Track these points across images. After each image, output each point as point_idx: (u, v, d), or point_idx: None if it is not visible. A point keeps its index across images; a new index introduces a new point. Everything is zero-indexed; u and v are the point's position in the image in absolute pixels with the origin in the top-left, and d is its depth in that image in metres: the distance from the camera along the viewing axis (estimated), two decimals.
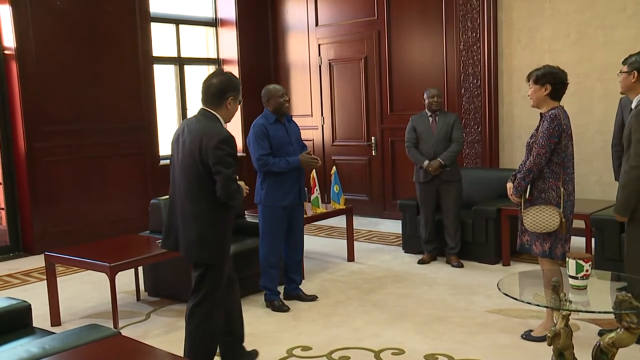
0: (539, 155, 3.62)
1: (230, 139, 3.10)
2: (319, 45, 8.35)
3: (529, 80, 3.76)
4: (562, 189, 3.65)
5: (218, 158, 3.02)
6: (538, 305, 3.18)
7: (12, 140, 6.57)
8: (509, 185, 3.85)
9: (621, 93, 3.83)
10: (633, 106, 3.61)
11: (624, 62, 3.67)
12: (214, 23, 8.58)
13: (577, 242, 5.82)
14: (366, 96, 7.97)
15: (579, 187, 6.53)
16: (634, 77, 3.57)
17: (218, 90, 3.15)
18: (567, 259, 3.11)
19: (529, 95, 3.78)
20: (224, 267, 3.26)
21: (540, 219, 3.64)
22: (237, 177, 3.16)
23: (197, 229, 3.13)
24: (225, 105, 3.17)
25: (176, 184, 3.23)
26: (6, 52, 6.47)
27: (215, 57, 8.61)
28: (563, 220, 3.62)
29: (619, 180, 3.65)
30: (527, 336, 3.82)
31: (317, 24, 8.33)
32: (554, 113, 3.66)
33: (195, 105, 8.30)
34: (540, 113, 3.75)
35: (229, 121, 3.28)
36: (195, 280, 3.24)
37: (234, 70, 8.50)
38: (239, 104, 3.28)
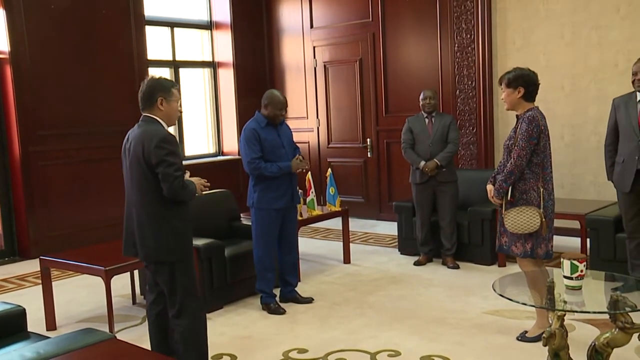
0: (519, 157, 3.65)
1: (170, 137, 3.16)
2: (314, 47, 8.36)
3: (501, 84, 3.79)
4: (542, 189, 3.70)
5: (159, 157, 3.07)
6: (533, 306, 3.19)
7: (7, 144, 6.56)
8: (489, 187, 3.87)
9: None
10: None
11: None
12: (209, 26, 8.58)
13: (572, 242, 5.84)
14: (361, 98, 7.97)
15: (574, 187, 6.61)
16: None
17: (146, 94, 3.24)
18: (562, 259, 3.12)
19: (502, 99, 3.81)
20: (189, 260, 3.26)
21: (521, 219, 3.65)
22: (188, 173, 3.20)
23: (152, 230, 3.16)
24: (157, 106, 3.22)
25: (128, 190, 3.28)
26: (0, 55, 6.46)
27: (211, 60, 8.61)
28: (544, 220, 3.65)
29: None
30: (523, 337, 3.83)
31: (312, 26, 8.34)
32: (532, 114, 3.69)
33: (189, 108, 8.30)
34: (517, 115, 3.79)
35: (172, 124, 3.31)
36: (166, 286, 3.23)
37: (229, 73, 8.51)
38: (178, 104, 3.31)
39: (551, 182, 3.80)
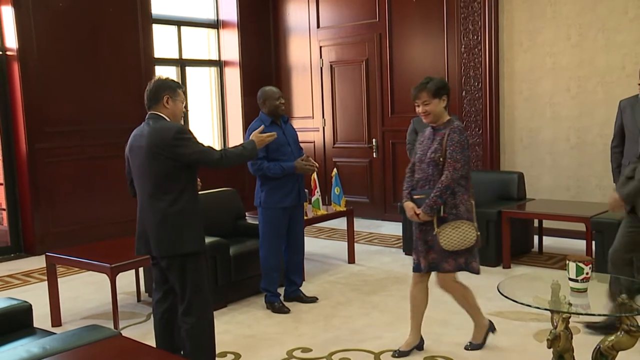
0: (456, 170, 3.43)
1: (183, 127, 3.24)
2: (320, 47, 8.36)
3: (417, 97, 3.54)
4: (472, 202, 3.53)
5: (183, 147, 3.15)
6: (538, 308, 3.18)
7: (13, 141, 6.59)
8: (410, 205, 3.58)
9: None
10: None
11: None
12: (216, 25, 8.59)
13: (578, 244, 5.83)
14: (367, 98, 7.97)
15: (579, 190, 6.60)
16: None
17: (152, 92, 3.31)
18: (567, 261, 3.11)
19: (425, 112, 3.52)
20: (200, 257, 3.29)
21: (457, 235, 3.46)
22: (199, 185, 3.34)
23: (167, 223, 3.19)
24: (163, 104, 3.29)
25: (140, 188, 3.30)
26: (8, 53, 6.49)
27: (217, 58, 8.63)
28: (478, 233, 3.50)
29: (628, 172, 3.66)
30: (472, 346, 3.77)
31: (318, 26, 8.34)
32: (460, 124, 3.56)
33: (195, 107, 8.32)
34: (433, 127, 3.58)
35: (177, 121, 3.34)
36: (178, 281, 3.25)
37: (235, 72, 8.52)
38: (183, 104, 3.38)
39: (473, 194, 3.62)
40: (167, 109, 3.28)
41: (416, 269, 3.69)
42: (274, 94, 4.57)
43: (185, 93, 3.44)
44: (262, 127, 3.72)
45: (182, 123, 3.40)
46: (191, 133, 3.25)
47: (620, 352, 2.96)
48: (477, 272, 3.61)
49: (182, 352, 3.37)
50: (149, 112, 3.32)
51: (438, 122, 3.55)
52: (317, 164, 4.75)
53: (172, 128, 3.18)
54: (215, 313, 4.45)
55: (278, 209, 4.53)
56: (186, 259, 3.23)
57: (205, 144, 3.26)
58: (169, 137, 3.13)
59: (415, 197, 3.57)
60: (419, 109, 3.56)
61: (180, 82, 3.48)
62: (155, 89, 3.31)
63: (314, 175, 5.45)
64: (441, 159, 3.46)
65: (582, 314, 3.00)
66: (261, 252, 4.63)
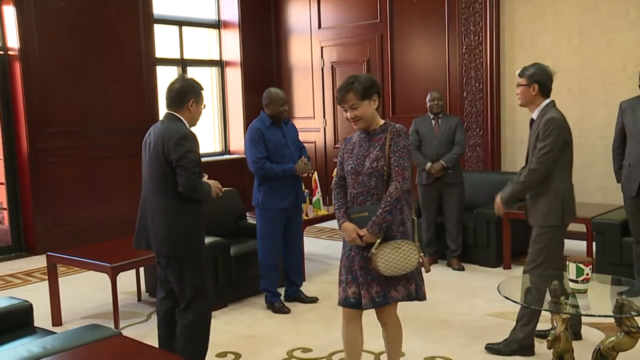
0: (405, 179, 2.92)
1: (191, 135, 3.19)
2: (322, 47, 8.37)
3: (346, 98, 2.97)
4: (415, 218, 3.06)
5: (178, 154, 3.11)
6: (540, 309, 3.18)
7: (15, 141, 6.59)
8: (350, 227, 2.99)
9: (520, 105, 3.73)
10: (534, 117, 3.60)
11: (521, 74, 3.59)
12: (217, 25, 8.60)
13: (578, 245, 5.82)
14: None
15: (580, 191, 6.55)
16: (534, 90, 3.54)
17: (179, 94, 3.26)
18: (567, 262, 3.11)
19: (355, 117, 2.97)
20: (200, 258, 3.29)
21: (397, 258, 2.89)
22: (204, 175, 3.24)
23: (165, 224, 3.20)
24: (187, 107, 3.26)
25: (145, 184, 3.32)
26: (10, 52, 6.49)
27: (218, 59, 8.63)
28: (422, 254, 2.99)
29: (516, 178, 3.66)
30: None
31: (319, 27, 8.35)
32: (402, 126, 3.03)
33: None
34: (371, 130, 3.01)
35: (193, 124, 3.34)
36: (175, 281, 3.26)
37: (237, 72, 8.52)
38: (203, 107, 3.36)
39: (415, 209, 3.21)
40: (190, 112, 3.27)
41: (347, 303, 3.12)
42: (280, 100, 4.57)
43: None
44: (216, 184, 3.35)
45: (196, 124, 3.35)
46: (196, 145, 3.19)
47: (620, 353, 2.96)
48: (425, 298, 3.12)
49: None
50: (167, 112, 3.30)
51: (372, 127, 3.01)
52: (313, 165, 4.79)
53: (178, 132, 3.15)
54: (215, 313, 4.48)
55: (276, 210, 4.54)
56: (183, 261, 3.23)
57: (197, 169, 3.13)
58: (172, 140, 3.13)
59: (353, 216, 3.00)
60: (346, 115, 3.01)
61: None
62: (182, 91, 3.26)
63: (315, 175, 5.46)
64: (385, 168, 2.92)
65: (582, 315, 3.00)
66: (259, 253, 4.64)
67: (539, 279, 3.43)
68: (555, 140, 3.48)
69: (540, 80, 3.54)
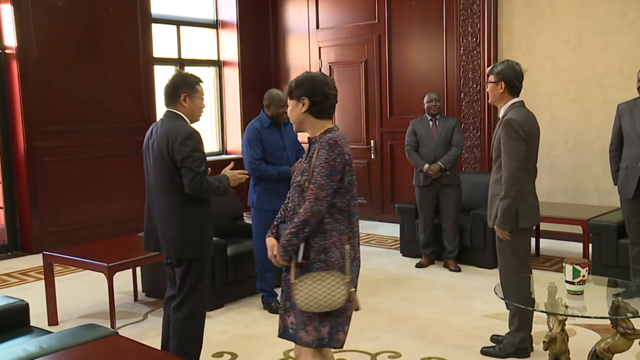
0: (318, 200, 2.52)
1: (195, 134, 3.17)
2: (320, 48, 8.37)
3: (291, 98, 2.69)
4: (347, 246, 2.59)
5: (184, 154, 3.09)
6: (535, 310, 3.19)
7: (11, 139, 6.58)
8: (271, 242, 2.71)
9: (489, 103, 3.70)
10: (500, 116, 3.55)
11: (490, 71, 3.55)
12: (215, 25, 8.60)
13: (575, 247, 5.84)
14: (366, 99, 7.98)
15: (577, 192, 6.61)
16: (501, 87, 3.47)
17: (170, 90, 3.24)
18: (564, 264, 3.12)
19: (290, 119, 2.73)
20: (206, 260, 3.29)
21: (319, 292, 2.51)
22: (209, 171, 3.20)
23: (174, 225, 3.19)
24: (180, 102, 3.23)
25: (151, 185, 3.30)
26: (7, 51, 6.48)
27: (216, 58, 8.63)
28: (352, 290, 2.57)
29: (492, 190, 3.55)
30: None
31: (317, 27, 8.35)
32: (333, 136, 2.59)
33: None
34: (310, 140, 2.70)
35: (195, 120, 3.31)
36: (179, 277, 3.26)
37: (234, 72, 8.52)
38: (201, 100, 3.31)
39: (358, 235, 2.69)
40: (185, 107, 3.23)
41: (282, 333, 2.75)
42: (281, 102, 4.56)
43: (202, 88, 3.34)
44: (232, 163, 3.44)
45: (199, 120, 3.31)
46: (200, 143, 3.16)
47: (615, 355, 2.97)
48: (341, 346, 2.64)
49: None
50: (166, 109, 3.28)
51: (311, 134, 2.68)
52: None
53: (182, 131, 3.12)
54: (212, 313, 4.49)
55: (270, 210, 4.53)
56: (192, 262, 3.23)
57: (201, 168, 3.11)
58: (176, 139, 3.10)
59: (282, 231, 2.68)
60: None
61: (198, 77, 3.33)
62: (172, 86, 3.23)
63: None
64: (307, 184, 2.59)
65: (578, 317, 3.00)
66: (255, 253, 4.65)
67: (514, 283, 3.43)
68: (514, 142, 3.37)
69: (507, 77, 3.47)
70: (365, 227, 7.59)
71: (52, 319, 4.40)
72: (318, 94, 2.64)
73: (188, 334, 3.29)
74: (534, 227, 6.03)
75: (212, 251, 3.36)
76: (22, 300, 3.15)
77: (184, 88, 3.23)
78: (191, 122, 3.27)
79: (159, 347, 3.40)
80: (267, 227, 4.52)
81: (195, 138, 3.15)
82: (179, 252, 3.21)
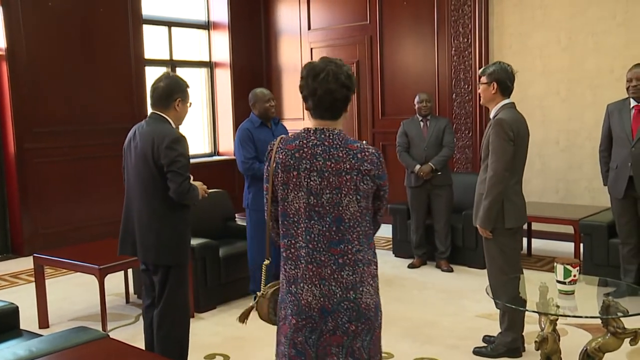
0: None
1: (181, 139, 3.13)
2: (311, 49, 8.36)
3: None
4: (267, 261, 2.75)
5: (170, 158, 3.05)
6: (526, 310, 3.20)
7: (1, 141, 6.54)
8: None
9: (481, 104, 3.72)
10: (491, 116, 3.56)
11: (482, 73, 3.57)
12: (207, 26, 8.58)
13: (566, 247, 5.86)
14: (358, 100, 7.98)
15: (568, 192, 6.64)
16: (493, 88, 3.49)
17: (165, 93, 3.17)
18: (555, 264, 3.13)
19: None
20: (185, 268, 3.26)
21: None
22: (191, 177, 3.17)
23: (154, 230, 3.14)
24: (174, 107, 3.19)
25: (130, 188, 3.25)
26: None
27: (207, 60, 8.61)
28: (252, 304, 2.64)
29: (479, 190, 3.56)
30: None
31: (309, 28, 8.35)
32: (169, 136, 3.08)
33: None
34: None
35: (179, 124, 3.29)
36: (158, 284, 3.22)
37: (226, 73, 8.51)
38: (189, 106, 3.29)
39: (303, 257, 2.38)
40: (176, 111, 3.19)
41: None
42: (264, 96, 4.57)
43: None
44: (202, 185, 3.34)
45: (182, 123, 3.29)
46: (186, 147, 3.13)
47: (606, 354, 2.99)
48: None
49: None
50: (152, 111, 3.22)
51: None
52: None
53: (168, 135, 3.07)
54: (204, 314, 4.48)
55: (265, 211, 4.52)
56: (170, 269, 3.19)
57: (188, 173, 3.10)
58: (162, 143, 3.05)
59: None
60: None
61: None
62: (168, 89, 3.17)
63: None
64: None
65: (569, 316, 3.02)
66: (249, 254, 4.63)
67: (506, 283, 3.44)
68: (503, 142, 3.39)
69: (499, 78, 3.48)
70: None
71: (43, 322, 4.37)
72: (177, 95, 2.99)
73: (173, 347, 3.25)
74: (526, 227, 6.07)
75: (188, 260, 3.28)
76: (12, 304, 3.14)
77: (178, 92, 3.19)
78: (176, 126, 3.23)
79: None
80: (262, 228, 4.53)
81: (182, 143, 3.11)
82: (157, 258, 3.17)
